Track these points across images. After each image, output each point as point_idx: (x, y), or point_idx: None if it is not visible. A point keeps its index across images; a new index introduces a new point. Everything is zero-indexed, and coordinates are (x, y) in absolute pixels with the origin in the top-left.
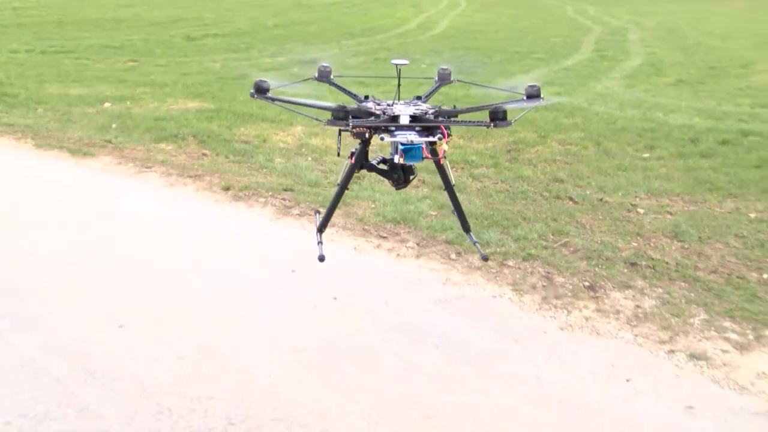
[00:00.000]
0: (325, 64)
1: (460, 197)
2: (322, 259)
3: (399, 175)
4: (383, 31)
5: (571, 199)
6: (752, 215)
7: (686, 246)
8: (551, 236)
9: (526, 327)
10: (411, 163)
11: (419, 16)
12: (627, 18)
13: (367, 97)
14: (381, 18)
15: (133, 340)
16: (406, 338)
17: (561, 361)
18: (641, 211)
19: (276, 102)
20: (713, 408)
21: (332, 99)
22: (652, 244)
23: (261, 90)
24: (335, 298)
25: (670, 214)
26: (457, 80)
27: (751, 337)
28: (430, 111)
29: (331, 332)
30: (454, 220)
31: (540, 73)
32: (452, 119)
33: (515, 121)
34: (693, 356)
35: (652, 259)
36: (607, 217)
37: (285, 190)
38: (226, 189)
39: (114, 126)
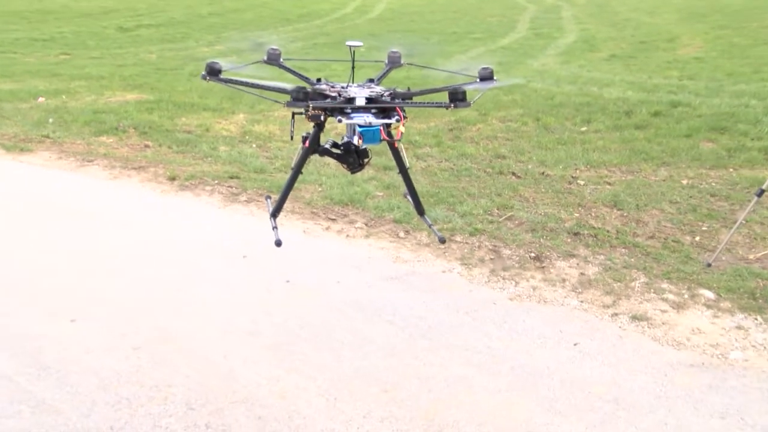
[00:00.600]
0: (274, 47)
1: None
2: (278, 243)
3: (354, 159)
4: (320, 17)
5: (513, 174)
6: (684, 182)
7: (625, 214)
8: (496, 211)
9: (476, 299)
10: (367, 146)
11: (356, 0)
12: None
13: (319, 80)
14: (317, 3)
15: (86, 333)
16: (360, 315)
17: (511, 329)
18: (581, 182)
19: (229, 84)
20: (654, 364)
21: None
22: (593, 214)
23: (213, 72)
24: (288, 281)
25: (609, 184)
26: (408, 63)
27: (686, 296)
28: (385, 93)
29: (286, 314)
30: (401, 200)
31: (478, 53)
32: (409, 101)
33: (474, 102)
34: (635, 318)
35: (594, 228)
36: (550, 190)
37: (231, 177)
38: (172, 179)
39: (51, 121)
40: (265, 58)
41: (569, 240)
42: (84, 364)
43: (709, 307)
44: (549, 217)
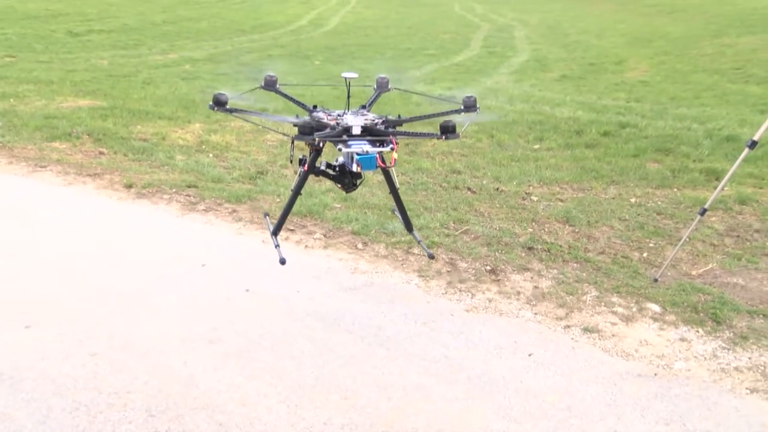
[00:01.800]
0: (271, 74)
1: (362, 190)
2: (283, 262)
3: (348, 180)
4: (275, 28)
5: (469, 189)
6: (632, 200)
7: (577, 230)
8: (452, 224)
9: (434, 310)
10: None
11: (310, 13)
12: (512, 15)
13: (315, 107)
14: (272, 14)
15: (42, 339)
16: (320, 325)
17: (468, 340)
18: (535, 198)
19: (236, 114)
20: (604, 374)
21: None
22: (546, 229)
23: (220, 103)
24: (247, 290)
25: (561, 200)
26: (395, 88)
27: (634, 309)
28: (378, 121)
29: (246, 322)
30: (359, 212)
31: (431, 69)
32: (403, 131)
33: (461, 132)
34: (586, 330)
35: (547, 242)
36: (504, 205)
37: (189, 186)
38: (129, 187)
39: None
40: (263, 84)
41: (523, 254)
42: (39, 370)
43: (655, 320)
44: (504, 232)
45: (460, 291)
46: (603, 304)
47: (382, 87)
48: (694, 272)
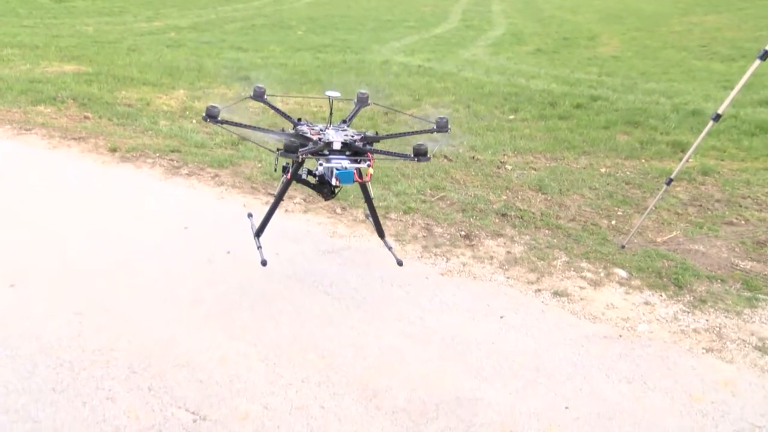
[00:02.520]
0: (260, 85)
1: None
2: (264, 263)
3: (327, 189)
4: None
5: (445, 157)
6: (602, 170)
7: (549, 198)
8: (429, 191)
9: (409, 273)
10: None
11: None
12: None
13: (299, 120)
14: None
15: (26, 298)
16: (298, 286)
17: (442, 302)
18: (509, 167)
19: (225, 126)
20: (572, 336)
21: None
22: (519, 197)
23: (212, 115)
24: (228, 252)
25: (535, 169)
26: (374, 103)
27: (602, 274)
28: (357, 137)
29: (227, 284)
30: None
31: (411, 40)
32: (379, 149)
33: (432, 155)
34: (556, 293)
35: (520, 210)
36: (479, 173)
37: (172, 151)
38: (113, 150)
39: None
40: (252, 94)
41: (497, 220)
42: (23, 328)
43: (621, 284)
44: (479, 199)
45: (435, 255)
46: (572, 269)
47: (362, 102)
48: (659, 239)
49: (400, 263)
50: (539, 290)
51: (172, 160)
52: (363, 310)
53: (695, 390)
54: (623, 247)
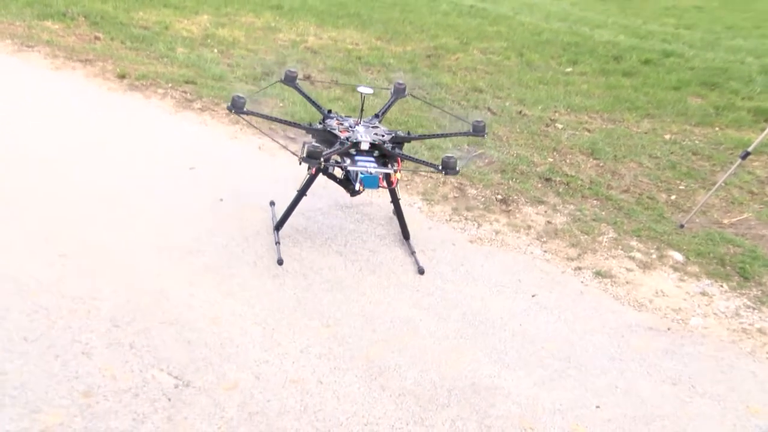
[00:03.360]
0: (291, 69)
1: (373, 100)
2: (280, 262)
3: (352, 186)
4: None
5: (489, 109)
6: (667, 136)
7: (601, 164)
8: (466, 146)
9: (434, 238)
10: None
11: None
12: None
13: (330, 112)
14: None
15: (6, 233)
16: (308, 243)
17: (467, 273)
18: (559, 126)
19: (249, 118)
20: (612, 324)
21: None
22: (567, 161)
23: (238, 107)
24: (234, 198)
25: (588, 131)
26: (411, 95)
27: (654, 256)
28: (387, 136)
29: (228, 234)
30: None
31: None
32: (407, 155)
33: (462, 167)
34: (598, 274)
35: (567, 175)
36: (525, 131)
37: (186, 82)
38: (122, 77)
39: None
40: (283, 78)
41: (540, 185)
42: None
43: (676, 269)
44: (521, 159)
45: (465, 219)
46: (620, 247)
47: (399, 93)
48: (725, 221)
49: (421, 271)
50: (579, 268)
51: (185, 92)
52: (377, 275)
53: (754, 401)
54: (682, 226)
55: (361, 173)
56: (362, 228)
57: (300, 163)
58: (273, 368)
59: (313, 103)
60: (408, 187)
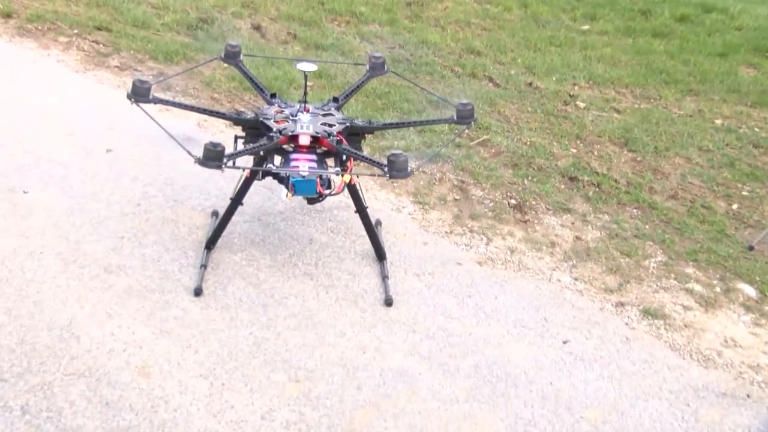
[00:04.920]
0: (233, 44)
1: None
2: (198, 292)
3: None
4: None
5: (491, 79)
6: (718, 122)
7: (639, 158)
8: (466, 130)
9: (432, 257)
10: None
11: None
12: None
13: (274, 96)
14: None
15: None
16: (267, 261)
17: (478, 307)
18: (581, 104)
19: (159, 103)
20: (672, 385)
21: None
22: (596, 152)
23: (140, 93)
24: (167, 193)
25: (618, 111)
26: (392, 72)
27: (718, 289)
28: (339, 126)
29: (161, 244)
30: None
31: None
32: (353, 151)
33: (435, 156)
34: (647, 313)
35: (597, 173)
36: (539, 110)
37: (98, 28)
38: (7, 16)
39: None
40: (222, 55)
41: (563, 187)
42: None
43: (748, 309)
44: (537, 149)
45: (471, 231)
46: (673, 275)
47: (376, 69)
48: None
49: (388, 302)
50: (622, 304)
51: (96, 42)
52: (359, 308)
53: None
54: (752, 248)
55: (292, 177)
56: (338, 241)
57: (235, 141)
58: None
59: (256, 85)
60: (395, 185)
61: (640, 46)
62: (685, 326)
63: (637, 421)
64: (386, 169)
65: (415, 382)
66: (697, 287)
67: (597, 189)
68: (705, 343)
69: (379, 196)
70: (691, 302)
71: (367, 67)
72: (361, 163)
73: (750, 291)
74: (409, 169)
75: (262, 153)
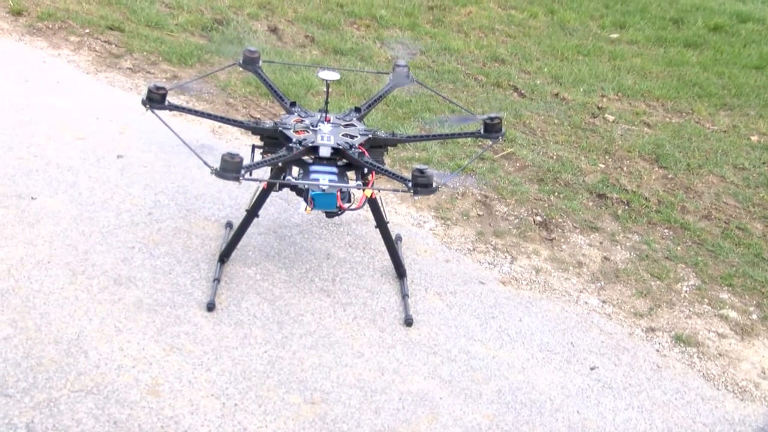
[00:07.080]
0: (252, 49)
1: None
2: (211, 307)
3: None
4: None
5: (516, 89)
6: (754, 138)
7: (670, 175)
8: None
9: (454, 275)
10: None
11: None
12: None
13: (294, 104)
14: None
15: None
16: (282, 274)
17: (501, 330)
18: (610, 117)
19: (176, 111)
20: (707, 418)
21: None
22: (625, 168)
23: (155, 100)
24: (180, 201)
25: (648, 125)
26: (417, 81)
27: (754, 316)
28: (361, 138)
29: (172, 255)
30: (353, 104)
31: None
32: (377, 165)
33: (461, 171)
34: (680, 340)
35: (626, 190)
36: (565, 122)
37: (110, 28)
38: (17, 14)
39: None
40: (240, 60)
41: (591, 204)
42: None
43: None
44: (564, 164)
45: (495, 249)
46: (706, 300)
47: (400, 80)
48: None
49: (408, 322)
50: (652, 330)
51: (108, 42)
52: (379, 328)
53: None
54: None
55: (312, 190)
56: (356, 257)
57: (252, 150)
58: None
59: (276, 92)
60: (415, 199)
61: (671, 57)
62: (720, 355)
63: None
64: (410, 184)
65: (435, 407)
66: (733, 314)
67: (626, 207)
68: (741, 374)
69: (399, 210)
70: (726, 329)
71: (390, 76)
72: (383, 177)
73: None
74: (434, 185)
75: (280, 164)
